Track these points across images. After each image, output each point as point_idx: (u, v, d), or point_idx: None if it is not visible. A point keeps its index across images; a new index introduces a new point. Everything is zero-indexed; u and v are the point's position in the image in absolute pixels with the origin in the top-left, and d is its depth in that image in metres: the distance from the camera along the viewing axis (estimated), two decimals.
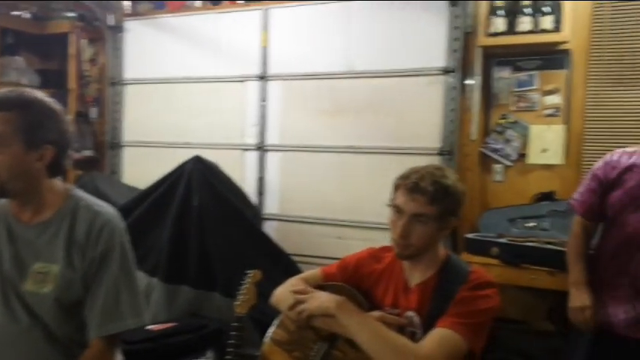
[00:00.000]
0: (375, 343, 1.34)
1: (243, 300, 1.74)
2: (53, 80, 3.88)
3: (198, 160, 3.06)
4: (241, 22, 3.51)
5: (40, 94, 1.43)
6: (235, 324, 1.71)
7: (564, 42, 2.89)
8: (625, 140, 2.85)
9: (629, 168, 1.86)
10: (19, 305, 1.41)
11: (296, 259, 3.15)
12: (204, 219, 2.93)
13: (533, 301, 2.94)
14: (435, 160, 3.03)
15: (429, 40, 3.07)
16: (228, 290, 2.70)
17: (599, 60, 2.92)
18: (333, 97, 3.31)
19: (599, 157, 2.88)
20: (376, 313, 1.44)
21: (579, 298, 1.90)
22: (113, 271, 1.43)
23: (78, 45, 3.84)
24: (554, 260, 2.43)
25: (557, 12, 2.83)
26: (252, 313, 1.75)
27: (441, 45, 3.05)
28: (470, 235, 2.83)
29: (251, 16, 3.48)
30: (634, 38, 2.85)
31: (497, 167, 3.16)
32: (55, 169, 1.44)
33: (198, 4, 3.71)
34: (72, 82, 3.83)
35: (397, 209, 1.44)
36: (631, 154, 1.91)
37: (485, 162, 3.20)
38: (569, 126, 2.99)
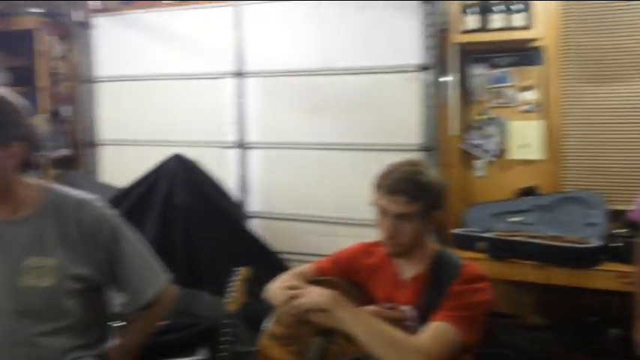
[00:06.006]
0: (372, 337, 1.33)
1: (233, 298, 1.74)
2: (21, 77, 3.72)
3: (178, 158, 2.98)
4: (212, 18, 3.46)
5: (2, 91, 1.40)
6: (227, 321, 1.69)
7: (536, 39, 2.93)
8: (604, 135, 2.92)
9: None
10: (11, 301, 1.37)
11: (281, 256, 3.11)
12: (189, 218, 2.84)
13: (521, 295, 2.96)
14: (417, 156, 3.03)
15: (404, 38, 3.06)
16: (217, 289, 2.64)
17: (569, 57, 2.96)
18: (313, 94, 3.28)
19: (580, 152, 2.98)
20: (371, 308, 1.44)
21: None
22: (130, 241, 1.51)
23: (46, 42, 3.70)
24: (539, 254, 2.45)
25: (527, 10, 2.87)
26: (242, 311, 1.73)
27: (416, 42, 3.04)
28: (456, 231, 2.83)
29: (222, 12, 3.42)
30: (601, 37, 2.89)
31: (479, 163, 3.19)
32: (27, 165, 1.42)
33: None
34: (41, 80, 3.68)
35: (381, 210, 1.43)
36: None
37: (466, 158, 3.22)
38: (547, 122, 3.04)
